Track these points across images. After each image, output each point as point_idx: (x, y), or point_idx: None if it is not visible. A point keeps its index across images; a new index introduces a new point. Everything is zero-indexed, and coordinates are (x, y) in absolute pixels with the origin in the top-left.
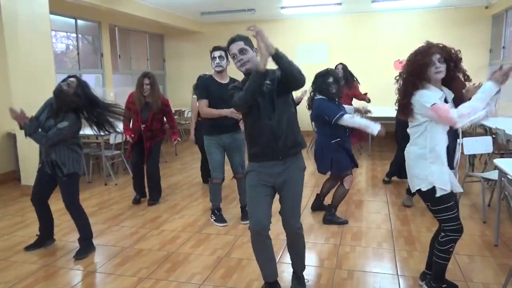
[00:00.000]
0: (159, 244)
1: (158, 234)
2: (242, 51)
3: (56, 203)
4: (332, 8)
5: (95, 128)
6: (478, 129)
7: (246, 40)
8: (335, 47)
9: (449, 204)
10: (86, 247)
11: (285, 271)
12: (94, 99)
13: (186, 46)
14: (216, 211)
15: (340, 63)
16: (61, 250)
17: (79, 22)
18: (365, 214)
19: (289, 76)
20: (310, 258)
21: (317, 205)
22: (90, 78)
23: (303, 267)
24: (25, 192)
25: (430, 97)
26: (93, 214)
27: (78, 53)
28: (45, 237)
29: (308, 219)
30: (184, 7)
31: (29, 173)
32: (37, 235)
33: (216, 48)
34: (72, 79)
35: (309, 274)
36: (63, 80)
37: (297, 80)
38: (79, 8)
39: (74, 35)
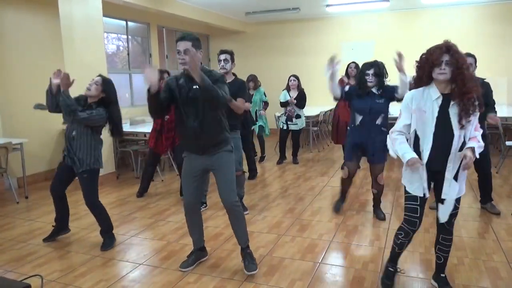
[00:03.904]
0: None
1: None
2: (186, 51)
3: (102, 198)
4: (379, 5)
5: (110, 126)
6: None
7: (194, 41)
8: (381, 45)
9: None
10: (110, 239)
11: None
12: (115, 98)
13: (230, 45)
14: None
15: (353, 62)
16: None
17: (129, 24)
18: None
19: (212, 99)
20: (354, 260)
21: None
22: (139, 78)
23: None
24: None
25: None
26: (141, 209)
27: (128, 54)
28: (60, 228)
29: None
30: (229, 7)
31: None
32: (53, 226)
33: (222, 52)
34: (98, 78)
35: (354, 277)
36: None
37: (218, 101)
38: (130, 11)
39: (125, 36)
